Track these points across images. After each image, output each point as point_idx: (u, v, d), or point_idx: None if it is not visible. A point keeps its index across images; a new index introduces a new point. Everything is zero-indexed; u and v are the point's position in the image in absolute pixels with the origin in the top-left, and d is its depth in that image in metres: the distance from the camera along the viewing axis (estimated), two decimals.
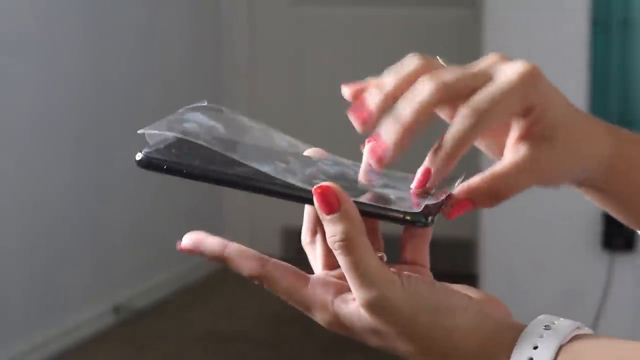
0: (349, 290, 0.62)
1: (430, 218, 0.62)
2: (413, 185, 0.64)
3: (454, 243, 3.74)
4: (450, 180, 0.66)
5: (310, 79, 3.96)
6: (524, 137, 0.66)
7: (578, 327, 0.61)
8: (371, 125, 0.65)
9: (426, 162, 0.64)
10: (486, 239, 2.79)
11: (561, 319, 0.61)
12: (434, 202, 0.63)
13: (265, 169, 0.63)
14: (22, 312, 2.95)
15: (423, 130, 0.65)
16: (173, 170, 0.65)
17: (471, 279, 3.19)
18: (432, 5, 3.79)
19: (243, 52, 4.02)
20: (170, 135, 0.65)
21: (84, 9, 3.16)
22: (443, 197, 0.65)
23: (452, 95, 0.63)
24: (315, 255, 0.67)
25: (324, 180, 0.62)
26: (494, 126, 0.64)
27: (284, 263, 0.64)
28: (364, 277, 0.60)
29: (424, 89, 0.63)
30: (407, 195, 0.63)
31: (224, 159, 0.64)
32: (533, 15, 2.70)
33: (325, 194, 0.61)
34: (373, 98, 0.65)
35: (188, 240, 0.67)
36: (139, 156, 0.65)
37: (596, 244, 2.71)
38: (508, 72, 0.64)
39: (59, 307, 3.09)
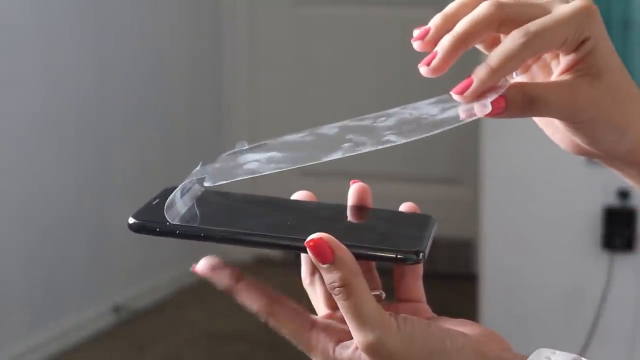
0: (351, 337, 0.63)
1: (421, 254, 0.63)
2: (453, 90, 0.65)
3: (454, 243, 3.74)
4: (430, 225, 0.67)
5: (310, 79, 3.96)
6: (568, 69, 0.65)
7: (575, 359, 0.61)
8: (429, 41, 0.66)
9: (471, 73, 0.64)
10: (486, 239, 2.79)
11: (558, 352, 0.61)
12: None
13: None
14: (22, 312, 2.95)
15: (476, 43, 0.65)
16: (166, 233, 0.65)
17: (471, 279, 3.19)
18: (432, 5, 3.79)
19: (243, 52, 4.02)
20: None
21: (85, 8, 3.16)
22: (432, 228, 0.66)
23: (508, 17, 0.64)
24: (316, 296, 0.68)
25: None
26: (544, 51, 0.64)
27: (291, 304, 0.65)
28: (362, 321, 0.61)
29: (481, 7, 0.64)
30: (450, 110, 0.64)
31: (221, 214, 0.66)
32: None
33: (317, 246, 0.61)
34: (433, 20, 0.67)
35: (203, 266, 0.66)
36: (131, 220, 0.65)
37: (596, 244, 2.71)
38: (565, 5, 0.64)
39: (59, 307, 3.10)
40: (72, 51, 3.11)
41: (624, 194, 2.65)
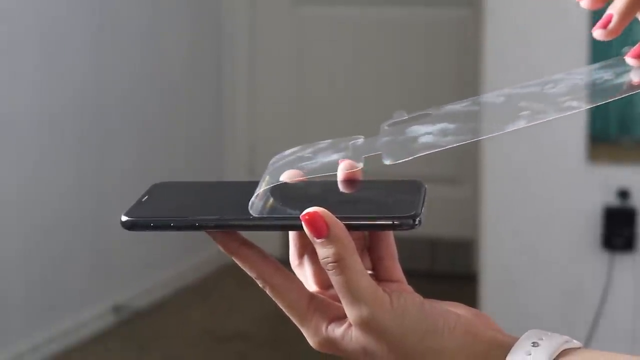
0: (344, 316, 0.63)
1: (417, 219, 0.63)
2: (628, 54, 0.63)
3: (454, 243, 3.74)
4: (420, 189, 0.67)
5: (310, 79, 3.96)
6: None
7: (566, 342, 0.61)
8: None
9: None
10: (486, 238, 2.79)
11: (549, 333, 0.62)
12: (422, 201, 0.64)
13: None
14: (22, 312, 2.95)
15: None
16: (160, 227, 0.65)
17: (471, 279, 3.19)
18: (432, 5, 3.79)
19: (243, 52, 4.02)
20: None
21: (86, 8, 3.16)
22: (424, 192, 0.66)
23: None
24: (305, 277, 0.68)
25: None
26: None
27: (292, 275, 0.65)
28: (355, 296, 0.61)
29: None
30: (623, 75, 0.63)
31: (210, 202, 0.66)
32: (533, 15, 2.70)
33: (313, 220, 0.61)
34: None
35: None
36: (123, 218, 0.65)
37: (596, 244, 2.71)
38: None
39: (59, 307, 3.10)
40: (72, 51, 3.11)
41: (624, 194, 2.65)
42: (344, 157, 0.65)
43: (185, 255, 3.70)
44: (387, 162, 0.63)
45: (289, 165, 0.66)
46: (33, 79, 2.95)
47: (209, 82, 3.94)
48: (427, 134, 0.64)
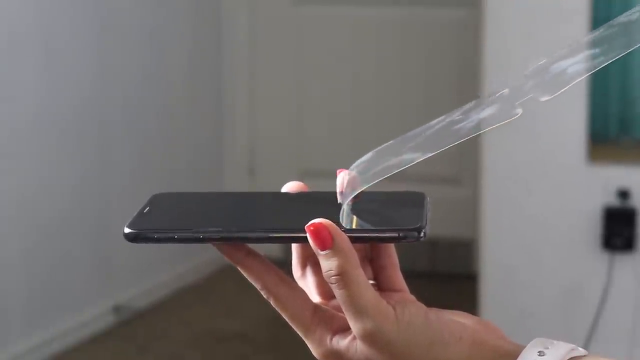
0: (349, 327, 0.63)
1: (422, 231, 0.62)
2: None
3: (454, 243, 3.74)
4: (423, 201, 0.67)
5: (310, 78, 3.96)
6: None
7: (572, 349, 0.61)
8: None
9: None
10: (486, 238, 2.79)
11: (555, 341, 0.61)
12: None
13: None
14: (22, 312, 2.95)
15: None
16: (164, 239, 0.66)
17: (471, 279, 3.19)
18: (432, 5, 3.79)
19: (243, 52, 4.02)
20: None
21: (85, 8, 3.16)
22: (426, 204, 0.66)
23: None
24: (308, 288, 0.67)
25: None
26: None
27: (296, 286, 0.65)
28: (359, 310, 0.61)
29: None
30: None
31: (216, 213, 0.66)
32: (533, 15, 2.70)
33: (317, 231, 0.61)
34: None
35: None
36: (126, 230, 0.65)
37: (596, 244, 2.71)
38: None
39: (59, 307, 3.10)
40: (72, 51, 3.11)
41: (624, 194, 2.65)
42: (498, 110, 0.62)
43: (185, 256, 3.69)
44: (544, 98, 0.61)
45: (442, 131, 0.64)
46: (34, 79, 2.95)
47: (209, 82, 3.94)
48: (574, 63, 0.62)
